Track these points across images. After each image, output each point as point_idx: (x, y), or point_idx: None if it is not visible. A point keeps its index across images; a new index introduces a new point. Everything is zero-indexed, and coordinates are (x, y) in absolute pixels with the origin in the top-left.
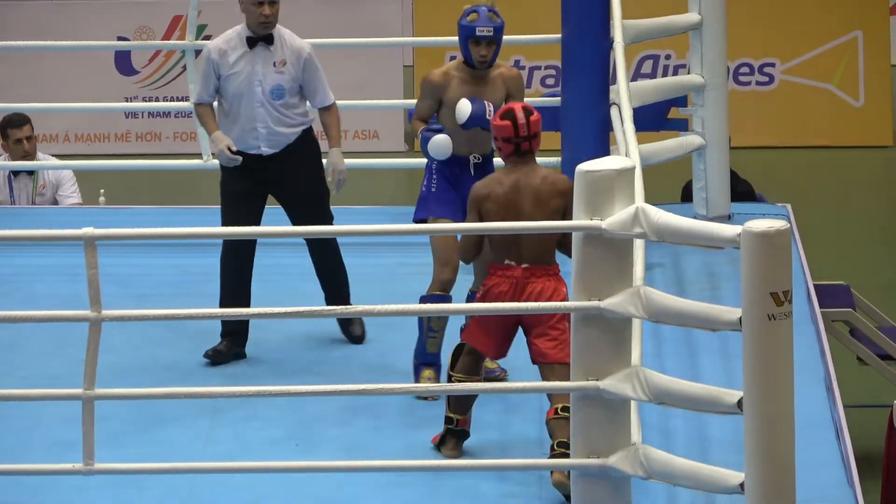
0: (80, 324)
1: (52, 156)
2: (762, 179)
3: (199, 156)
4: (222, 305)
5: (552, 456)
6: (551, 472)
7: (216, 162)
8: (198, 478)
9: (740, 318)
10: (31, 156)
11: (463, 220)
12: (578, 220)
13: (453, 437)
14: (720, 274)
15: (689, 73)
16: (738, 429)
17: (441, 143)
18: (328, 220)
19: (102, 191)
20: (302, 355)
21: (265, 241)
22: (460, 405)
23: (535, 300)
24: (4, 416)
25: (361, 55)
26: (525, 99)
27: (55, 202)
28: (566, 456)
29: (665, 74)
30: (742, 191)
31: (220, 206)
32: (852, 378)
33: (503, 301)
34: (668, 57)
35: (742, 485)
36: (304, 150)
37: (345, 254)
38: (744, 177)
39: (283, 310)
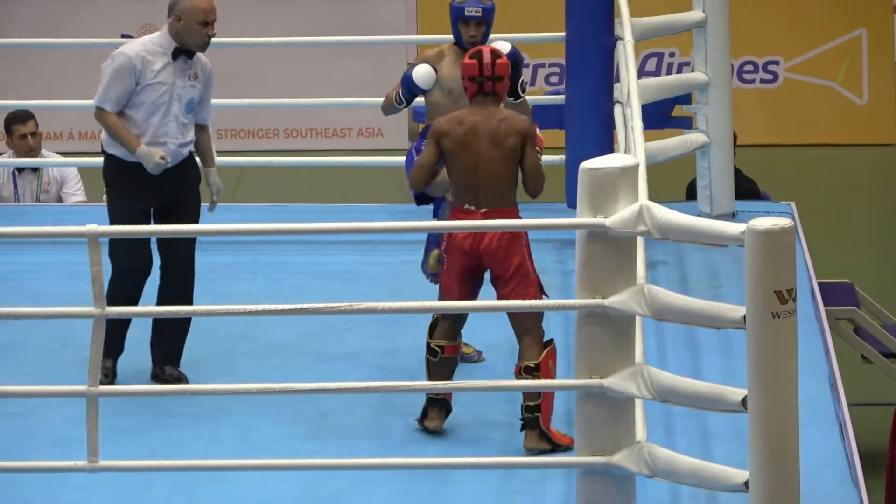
0: (83, 321)
1: (57, 153)
2: (766, 177)
3: None
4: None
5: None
6: (524, 438)
7: (220, 160)
8: (202, 476)
9: (744, 317)
10: (35, 151)
11: None
12: (582, 218)
13: (434, 406)
14: (723, 272)
15: (693, 70)
16: (739, 424)
17: (425, 71)
18: (194, 244)
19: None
20: (307, 353)
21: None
22: (440, 376)
23: (496, 244)
24: (8, 413)
25: (365, 53)
26: (528, 97)
27: (60, 199)
28: (534, 421)
29: (669, 72)
30: (746, 189)
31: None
32: (856, 376)
33: (465, 245)
34: (672, 55)
35: (747, 483)
36: (194, 168)
37: (349, 252)
38: (748, 175)
39: (287, 307)
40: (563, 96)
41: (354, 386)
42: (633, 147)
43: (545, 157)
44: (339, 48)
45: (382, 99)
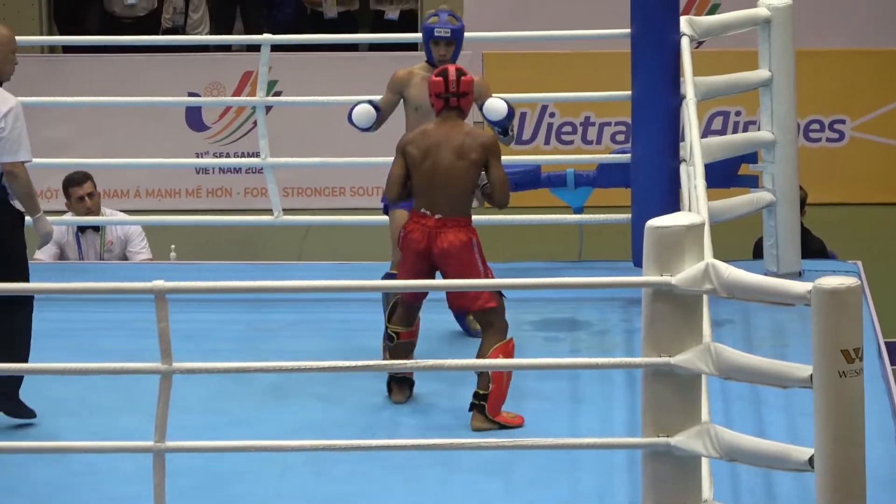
0: (150, 377)
1: (122, 211)
2: (832, 236)
3: (269, 212)
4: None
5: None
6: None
7: (287, 218)
8: None
9: (811, 376)
10: (94, 213)
11: None
12: (648, 277)
13: (396, 383)
14: (790, 331)
15: (759, 129)
16: (804, 484)
17: (362, 111)
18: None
19: (173, 246)
20: (370, 409)
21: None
22: (399, 356)
23: (446, 250)
24: (75, 470)
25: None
26: (594, 156)
27: (124, 258)
28: (481, 407)
29: (735, 131)
30: (815, 248)
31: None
32: None
33: (418, 246)
34: (738, 113)
35: (811, 460)
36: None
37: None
38: (816, 234)
39: (354, 363)
40: (629, 155)
41: (418, 443)
42: (697, 205)
43: (611, 216)
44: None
45: None
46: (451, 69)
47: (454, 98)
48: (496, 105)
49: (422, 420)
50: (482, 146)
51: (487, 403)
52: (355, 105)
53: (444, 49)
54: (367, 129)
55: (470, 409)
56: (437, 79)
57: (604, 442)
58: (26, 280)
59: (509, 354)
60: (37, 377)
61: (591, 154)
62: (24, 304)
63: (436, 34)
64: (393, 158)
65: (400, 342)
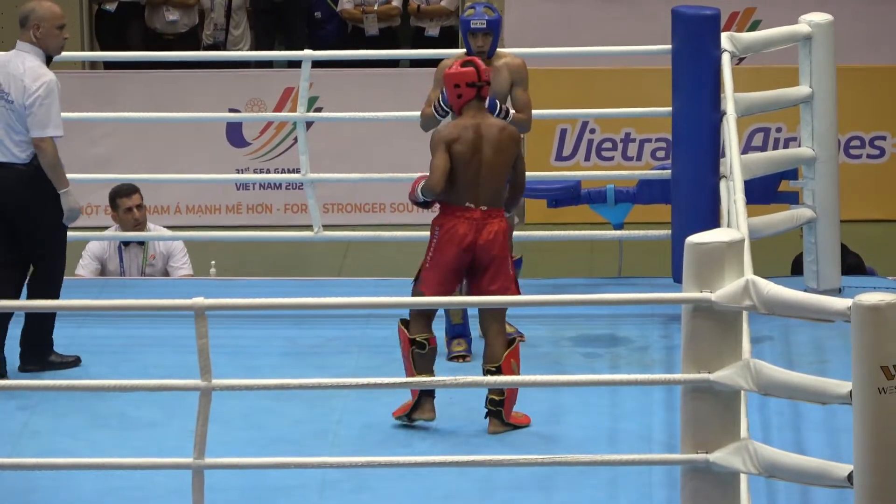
0: (190, 394)
1: (164, 227)
2: (873, 252)
3: (309, 227)
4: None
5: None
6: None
7: (327, 234)
8: None
9: (850, 392)
10: (141, 225)
11: None
12: (688, 293)
13: (428, 397)
14: (829, 347)
15: (799, 146)
16: (845, 500)
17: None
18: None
19: (213, 262)
20: (409, 426)
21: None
22: (426, 366)
23: (491, 241)
24: (115, 486)
25: None
26: (634, 172)
27: (166, 273)
28: (498, 413)
29: (776, 147)
30: (851, 263)
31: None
32: None
33: (464, 241)
34: (778, 130)
35: (850, 476)
36: None
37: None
38: (853, 249)
39: (393, 380)
40: (669, 171)
41: (458, 460)
42: (737, 221)
43: (651, 232)
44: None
45: None
46: (476, 60)
47: (484, 87)
48: None
49: (459, 434)
50: (515, 142)
51: (504, 409)
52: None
53: (482, 40)
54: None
55: (486, 416)
56: (469, 69)
57: (643, 458)
58: (60, 248)
59: (518, 355)
60: (78, 392)
61: (632, 170)
62: (53, 281)
63: (472, 26)
64: (434, 154)
65: (431, 348)
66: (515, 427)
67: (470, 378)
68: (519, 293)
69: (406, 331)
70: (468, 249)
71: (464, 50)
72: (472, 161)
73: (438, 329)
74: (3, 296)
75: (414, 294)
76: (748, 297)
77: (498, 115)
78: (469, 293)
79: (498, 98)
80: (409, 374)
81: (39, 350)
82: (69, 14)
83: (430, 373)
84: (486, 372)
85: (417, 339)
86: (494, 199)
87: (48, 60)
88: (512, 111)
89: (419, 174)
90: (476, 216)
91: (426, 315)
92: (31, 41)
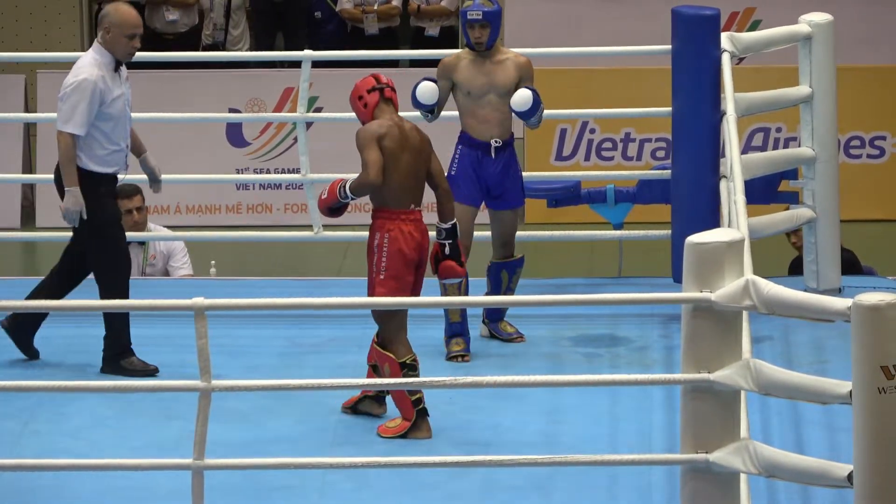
0: (190, 394)
1: (164, 227)
2: (873, 252)
3: (309, 227)
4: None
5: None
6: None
7: (327, 234)
8: None
9: (850, 392)
10: (141, 226)
11: (480, 204)
12: (688, 293)
13: (424, 417)
14: (829, 347)
15: (799, 145)
16: (844, 499)
17: (426, 88)
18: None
19: (213, 262)
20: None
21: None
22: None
23: (427, 238)
24: (115, 486)
25: None
26: (635, 171)
27: (166, 273)
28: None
29: (776, 147)
30: (845, 258)
31: (100, 238)
32: None
33: (416, 244)
34: (779, 130)
35: (850, 476)
36: None
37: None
38: (854, 250)
39: (392, 381)
40: (669, 171)
41: (458, 460)
42: (737, 221)
43: (651, 232)
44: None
45: None
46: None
47: (388, 89)
48: (523, 96)
49: (459, 434)
50: (429, 141)
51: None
52: (418, 83)
53: (479, 31)
54: (429, 112)
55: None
56: (366, 77)
57: (643, 458)
58: (97, 251)
59: (383, 355)
60: (78, 392)
61: (632, 170)
62: (101, 284)
63: (469, 17)
64: (365, 150)
65: (418, 368)
66: (356, 412)
67: (470, 378)
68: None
69: (389, 354)
70: (420, 252)
71: (462, 50)
72: (401, 158)
73: (437, 329)
74: (46, 293)
75: (374, 310)
76: (748, 296)
77: (535, 112)
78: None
79: (502, 93)
80: (401, 398)
81: (112, 354)
82: (69, 14)
83: (421, 391)
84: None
85: (407, 361)
86: (420, 200)
87: (116, 64)
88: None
89: (337, 177)
90: (419, 217)
91: (405, 330)
92: (100, 42)
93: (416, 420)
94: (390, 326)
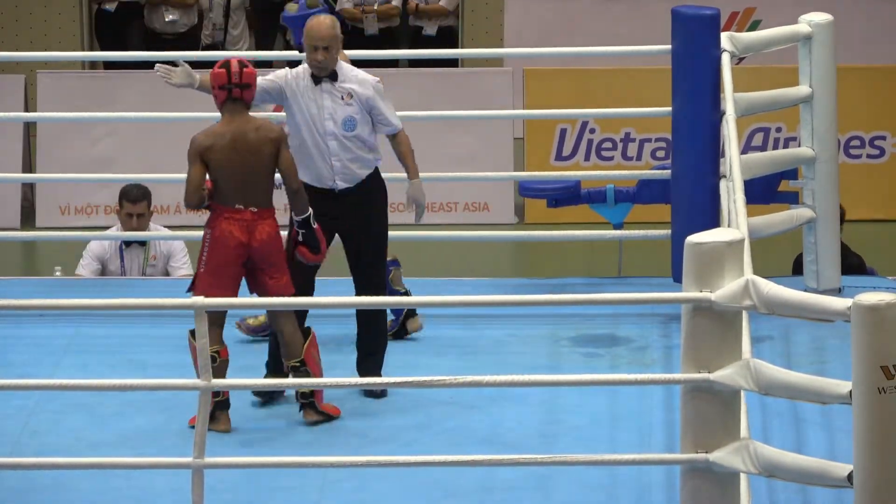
0: (189, 393)
1: (165, 227)
2: (872, 252)
3: None
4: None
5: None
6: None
7: None
8: None
9: (850, 392)
10: (140, 231)
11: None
12: (688, 293)
13: (223, 409)
14: (829, 347)
15: (799, 145)
16: (844, 500)
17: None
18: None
19: None
20: (410, 426)
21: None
22: (222, 376)
23: (266, 239)
24: (115, 486)
25: (472, 127)
26: (635, 171)
27: (166, 273)
28: (311, 404)
29: (776, 147)
30: (852, 263)
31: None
32: None
33: (239, 241)
34: (778, 130)
35: (850, 476)
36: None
37: (453, 325)
38: (855, 250)
39: (389, 380)
40: (669, 171)
41: (458, 459)
42: (737, 221)
43: (651, 232)
44: (446, 121)
45: (490, 172)
46: (234, 61)
47: (237, 89)
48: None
49: (459, 434)
50: (271, 141)
51: (315, 399)
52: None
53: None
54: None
55: (301, 409)
56: (220, 71)
57: (642, 458)
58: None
59: (316, 344)
60: (78, 392)
61: (632, 170)
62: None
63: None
64: (189, 165)
65: (222, 360)
66: (330, 417)
67: (470, 378)
68: (293, 288)
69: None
70: (242, 251)
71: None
72: (229, 166)
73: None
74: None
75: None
76: (748, 296)
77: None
78: (251, 293)
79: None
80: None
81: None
82: (69, 14)
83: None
84: (292, 368)
85: (303, 362)
86: (265, 200)
87: (313, 75)
88: None
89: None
90: (247, 217)
91: (219, 324)
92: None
93: (214, 412)
94: (211, 317)
